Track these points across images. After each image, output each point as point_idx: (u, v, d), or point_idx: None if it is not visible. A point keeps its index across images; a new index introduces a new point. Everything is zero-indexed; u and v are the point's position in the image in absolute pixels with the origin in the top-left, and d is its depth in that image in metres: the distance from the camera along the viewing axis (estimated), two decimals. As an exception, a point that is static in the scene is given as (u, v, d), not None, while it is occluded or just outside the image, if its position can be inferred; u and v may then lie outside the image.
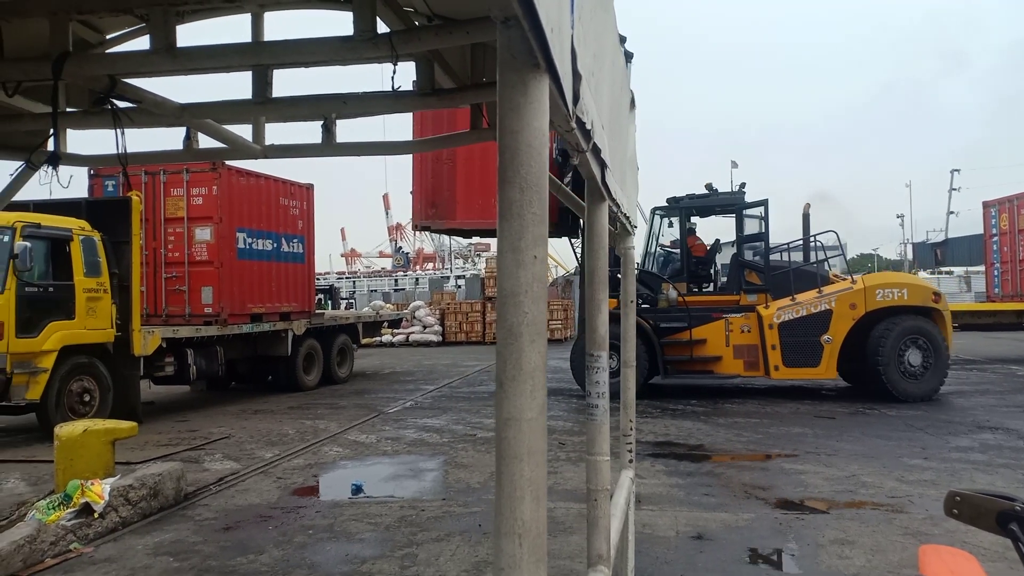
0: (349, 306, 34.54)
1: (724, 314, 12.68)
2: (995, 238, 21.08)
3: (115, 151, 2.94)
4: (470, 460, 8.41)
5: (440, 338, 28.88)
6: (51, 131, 2.98)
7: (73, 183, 3.24)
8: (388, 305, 31.79)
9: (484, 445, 9.21)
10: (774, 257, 13.58)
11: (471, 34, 2.22)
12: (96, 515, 5.97)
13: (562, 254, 37.25)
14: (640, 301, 12.80)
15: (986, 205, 21.67)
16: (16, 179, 3.30)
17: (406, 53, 2.38)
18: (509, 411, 1.03)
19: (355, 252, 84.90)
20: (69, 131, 3.16)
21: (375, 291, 47.84)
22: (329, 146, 3.27)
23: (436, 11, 2.52)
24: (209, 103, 2.89)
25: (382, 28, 2.35)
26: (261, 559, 5.38)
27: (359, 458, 8.76)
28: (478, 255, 62.38)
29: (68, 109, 3.00)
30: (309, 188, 15.72)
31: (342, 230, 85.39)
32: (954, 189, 61.55)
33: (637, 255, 13.58)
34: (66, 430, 6.57)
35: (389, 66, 2.59)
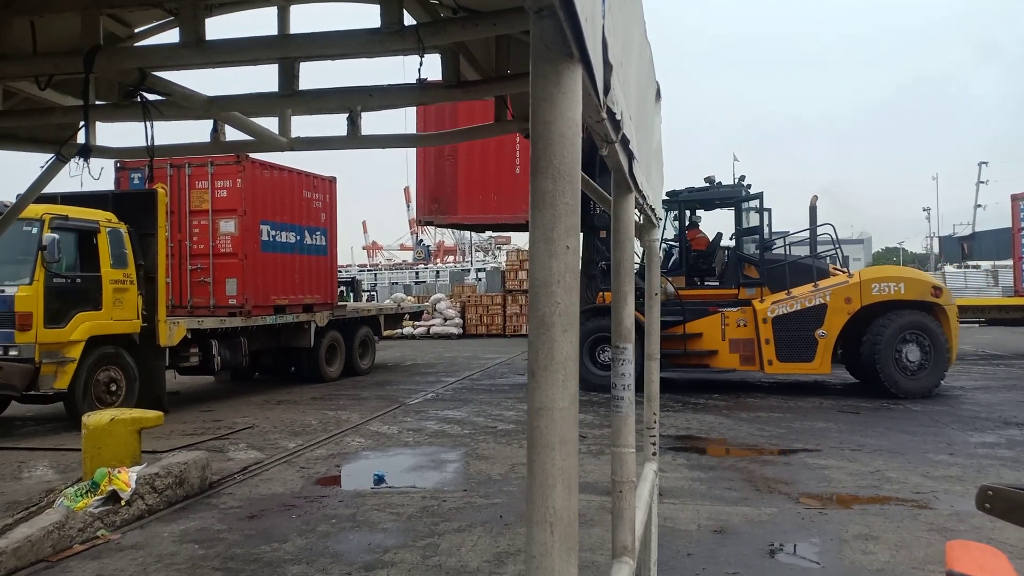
0: (371, 298, 34.70)
1: (721, 308, 12.59)
2: None
3: (142, 144, 2.98)
4: (491, 452, 8.43)
5: (461, 330, 28.96)
6: (81, 124, 3.02)
7: (102, 176, 3.28)
8: (409, 297, 31.88)
9: (505, 437, 9.24)
10: (779, 251, 13.48)
11: (497, 25, 2.22)
12: (123, 502, 6.05)
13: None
14: (638, 294, 12.70)
15: (1015, 198, 21.34)
16: (46, 171, 3.34)
17: (432, 45, 2.38)
18: (541, 400, 1.04)
19: (376, 245, 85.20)
20: (98, 124, 3.19)
21: (396, 283, 47.96)
22: (355, 138, 3.29)
23: (461, 3, 2.53)
24: (236, 96, 2.92)
25: (408, 20, 2.36)
26: (285, 547, 5.44)
27: (381, 449, 8.82)
28: (499, 248, 62.38)
29: (98, 102, 3.03)
30: (332, 181, 15.80)
31: (363, 223, 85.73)
32: (982, 182, 60.58)
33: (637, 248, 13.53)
34: (94, 419, 6.66)
35: (410, 59, 2.60)
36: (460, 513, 6.19)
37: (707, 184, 13.84)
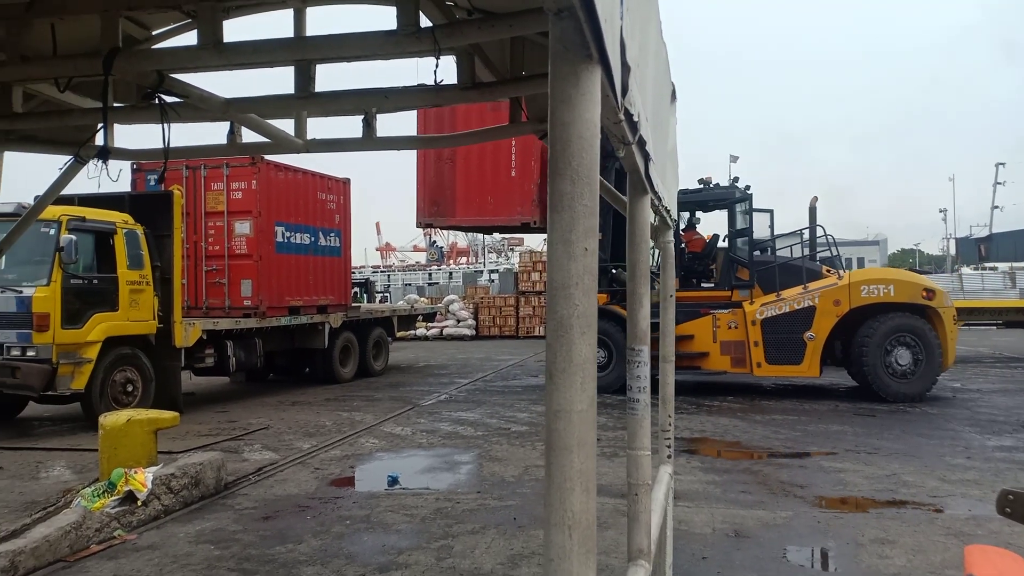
0: (384, 300, 34.79)
1: (712, 310, 12.52)
2: (1042, 233, 20.56)
3: (159, 145, 3.00)
4: (504, 454, 8.43)
5: (474, 332, 28.97)
6: (99, 126, 3.04)
7: (119, 178, 3.30)
8: (422, 299, 31.92)
9: (518, 439, 9.23)
10: (784, 253, 13.40)
11: (513, 27, 2.21)
12: (139, 503, 6.09)
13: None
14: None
15: (1033, 199, 21.12)
16: (65, 173, 3.37)
17: (448, 47, 2.39)
18: (559, 403, 1.03)
19: (390, 246, 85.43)
20: (115, 126, 3.22)
21: (409, 285, 48.09)
22: (370, 140, 3.30)
23: (476, 5, 2.53)
24: (253, 98, 2.93)
25: (424, 22, 2.37)
26: (300, 548, 5.45)
27: (395, 450, 8.84)
28: (512, 249, 62.42)
29: (116, 104, 3.05)
30: (346, 183, 15.85)
31: (377, 224, 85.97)
32: (999, 183, 60.09)
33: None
34: (110, 419, 6.71)
35: (424, 61, 2.61)
36: (474, 515, 6.19)
37: (702, 185, 13.79)
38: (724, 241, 13.45)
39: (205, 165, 13.24)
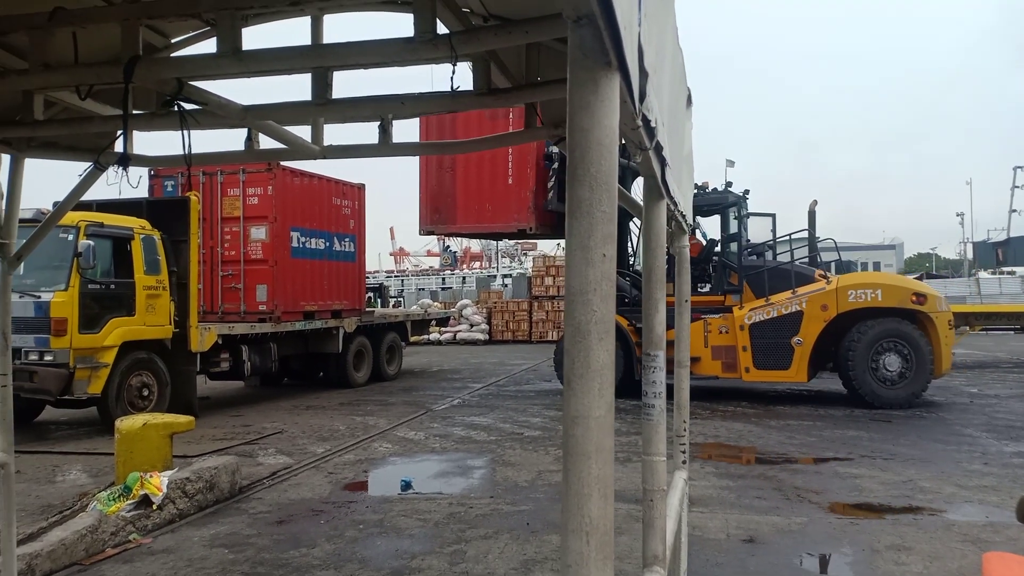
0: (398, 304, 34.87)
1: (704, 315, 12.46)
2: (1061, 238, 20.35)
3: (176, 152, 3.03)
4: (517, 459, 8.43)
5: (487, 336, 28.99)
6: (119, 133, 3.07)
7: (139, 184, 3.33)
8: (436, 303, 32.01)
9: (531, 444, 9.23)
10: (783, 257, 13.32)
11: (530, 33, 2.22)
12: (155, 507, 6.13)
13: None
14: (626, 300, 12.71)
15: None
16: (84, 179, 3.40)
17: (464, 54, 2.40)
18: (577, 409, 1.04)
19: (404, 251, 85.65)
20: (134, 133, 3.25)
21: (423, 289, 48.22)
22: (386, 146, 3.31)
23: (492, 11, 2.54)
24: (271, 105, 2.95)
25: (441, 29, 2.38)
26: (313, 553, 5.47)
27: (408, 454, 8.85)
28: (525, 254, 62.40)
29: (135, 111, 3.08)
30: (360, 188, 15.92)
31: (391, 229, 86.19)
32: (1017, 186, 59.53)
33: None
34: (126, 423, 6.76)
35: (438, 67, 2.62)
36: (487, 520, 6.19)
37: (696, 190, 13.76)
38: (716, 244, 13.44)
39: (222, 171, 13.33)
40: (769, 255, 13.57)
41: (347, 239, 15.38)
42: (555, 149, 13.76)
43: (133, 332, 10.34)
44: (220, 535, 5.91)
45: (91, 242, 9.70)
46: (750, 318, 12.09)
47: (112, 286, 10.24)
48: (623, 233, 13.68)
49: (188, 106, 2.76)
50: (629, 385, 11.12)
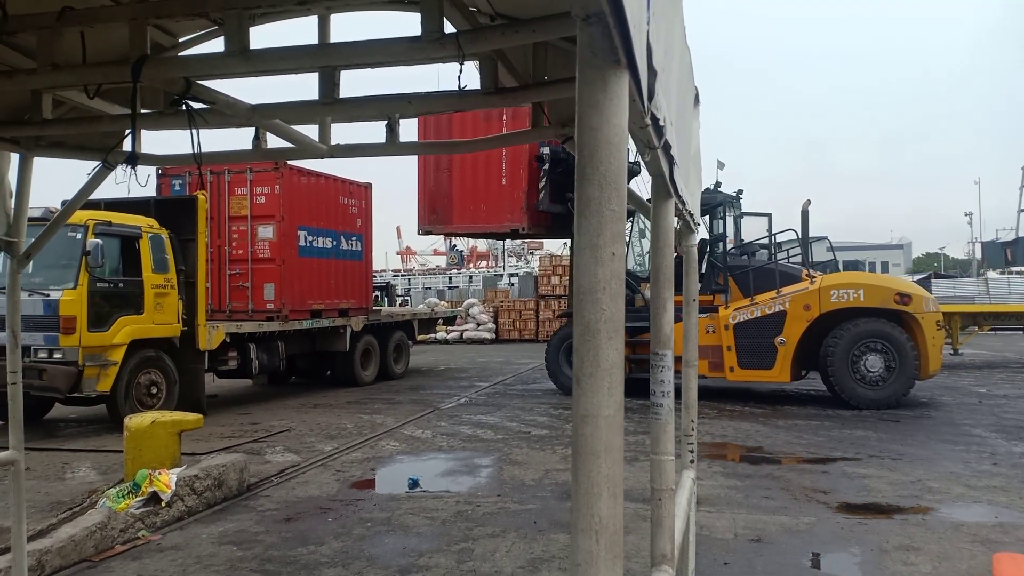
0: (404, 303, 34.93)
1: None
2: (1070, 237, 20.24)
3: (183, 151, 3.03)
4: (524, 457, 8.43)
5: (493, 335, 29.01)
6: (127, 132, 3.08)
7: (148, 183, 3.34)
8: (443, 303, 32.07)
9: (538, 443, 9.22)
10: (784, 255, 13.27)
11: (537, 32, 2.22)
12: (163, 504, 6.15)
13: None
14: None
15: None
16: (93, 179, 3.41)
17: (471, 53, 2.39)
18: (586, 408, 1.03)
19: (410, 250, 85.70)
20: (142, 132, 3.26)
21: (430, 288, 48.27)
22: (393, 145, 3.31)
23: (500, 10, 2.54)
24: (278, 104, 2.96)
25: (448, 28, 2.38)
26: (321, 550, 5.48)
27: (415, 453, 8.86)
28: (531, 253, 62.37)
29: (143, 111, 3.09)
30: (367, 187, 15.95)
31: (398, 228, 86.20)
32: (1026, 186, 59.21)
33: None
34: (135, 421, 6.79)
35: (445, 66, 2.62)
36: (494, 518, 6.20)
37: None
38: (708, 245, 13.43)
39: (229, 170, 13.37)
40: (765, 255, 13.53)
41: (354, 238, 15.41)
42: (546, 150, 13.90)
43: (141, 330, 10.38)
44: (228, 532, 5.93)
45: (99, 241, 9.74)
46: (734, 318, 12.08)
47: (120, 284, 10.28)
48: None
49: (196, 105, 2.76)
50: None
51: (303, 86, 3.09)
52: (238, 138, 3.52)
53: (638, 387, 12.85)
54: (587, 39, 0.97)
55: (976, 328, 19.48)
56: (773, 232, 13.44)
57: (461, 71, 2.38)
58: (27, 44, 2.75)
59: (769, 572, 4.97)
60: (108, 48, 2.77)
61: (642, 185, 11.13)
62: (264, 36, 2.79)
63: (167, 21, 2.71)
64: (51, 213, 9.47)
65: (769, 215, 13.74)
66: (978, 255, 59.63)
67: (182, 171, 13.47)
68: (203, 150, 2.92)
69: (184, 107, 2.72)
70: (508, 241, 63.95)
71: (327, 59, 2.67)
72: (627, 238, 13.71)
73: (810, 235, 13.42)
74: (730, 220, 13.41)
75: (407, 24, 2.53)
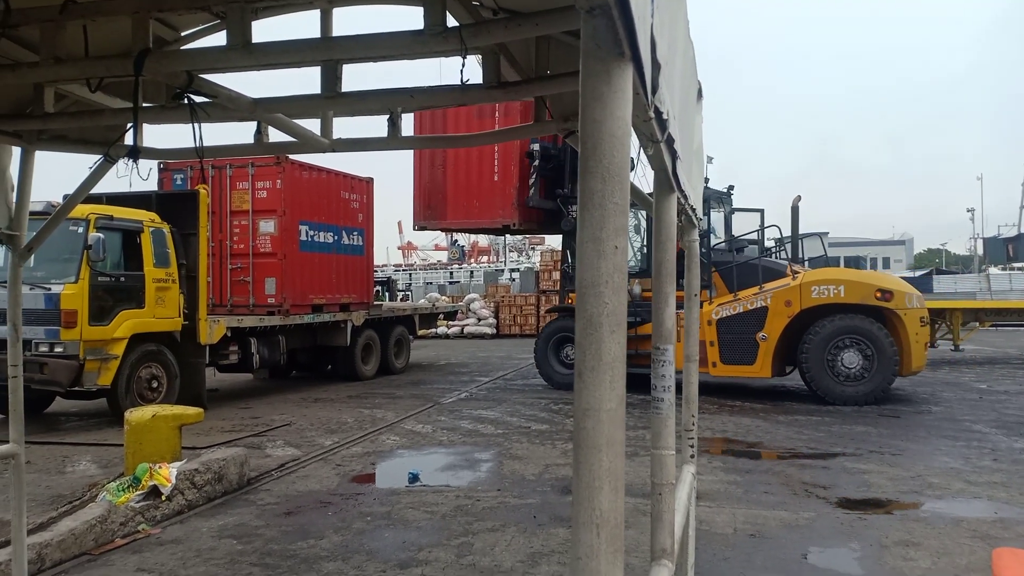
0: (405, 298, 34.94)
1: (677, 309, 12.38)
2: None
3: (184, 145, 3.03)
4: (524, 452, 8.43)
5: (494, 330, 29.01)
6: (129, 126, 3.07)
7: (150, 177, 3.34)
8: (443, 297, 32.03)
9: (538, 438, 9.23)
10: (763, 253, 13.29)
11: (540, 26, 2.21)
12: (163, 498, 6.16)
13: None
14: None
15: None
16: (95, 172, 3.41)
17: (474, 46, 2.39)
18: (588, 401, 1.03)
19: (412, 245, 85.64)
20: (144, 125, 3.26)
21: (431, 283, 48.24)
22: (395, 139, 3.31)
23: (502, 4, 2.53)
24: (280, 98, 2.95)
25: (451, 22, 2.37)
26: (321, 544, 5.49)
27: (415, 447, 8.87)
28: (532, 248, 62.37)
29: (145, 104, 3.09)
30: (369, 182, 15.94)
31: (399, 223, 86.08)
32: (1028, 182, 59.12)
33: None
34: (136, 415, 6.79)
35: (447, 60, 2.61)
36: (494, 512, 6.21)
37: None
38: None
39: (231, 164, 13.37)
40: (756, 250, 13.54)
41: (355, 233, 15.41)
42: (536, 146, 13.95)
43: (143, 324, 10.39)
44: (228, 526, 5.94)
45: (101, 235, 9.74)
46: (717, 313, 12.09)
47: (122, 279, 10.27)
48: None
49: (198, 99, 2.76)
50: None
51: (306, 80, 3.09)
52: (240, 132, 3.51)
53: (631, 382, 12.90)
54: (591, 31, 0.97)
55: (977, 324, 19.47)
56: (759, 228, 13.46)
57: (464, 65, 2.38)
58: (29, 37, 2.75)
59: (768, 567, 4.97)
60: (110, 42, 2.77)
61: (641, 179, 11.12)
62: (266, 30, 2.78)
63: (169, 15, 2.71)
64: (53, 207, 9.47)
65: (761, 211, 13.76)
66: (980, 251, 59.61)
67: (184, 165, 13.47)
68: (206, 144, 2.92)
69: (186, 101, 2.72)
70: (509, 236, 64.07)
71: (329, 53, 2.66)
72: None
73: (811, 231, 13.43)
74: (721, 216, 13.43)
75: (409, 18, 2.53)
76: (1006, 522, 5.74)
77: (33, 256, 3.89)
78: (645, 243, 13.52)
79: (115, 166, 3.32)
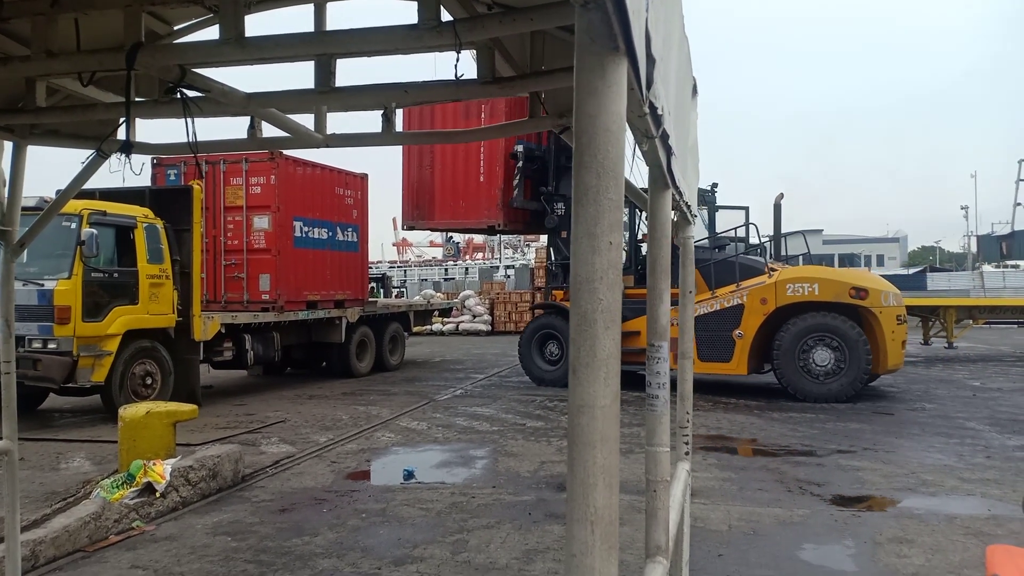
0: (400, 295, 34.91)
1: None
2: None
3: (177, 140, 3.02)
4: (519, 449, 8.43)
5: (489, 327, 28.99)
6: (121, 120, 3.05)
7: (142, 172, 3.32)
8: (439, 294, 32.02)
9: (533, 435, 9.23)
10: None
11: (535, 21, 2.20)
12: (158, 494, 6.15)
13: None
14: None
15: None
16: (87, 167, 3.39)
17: (469, 41, 2.38)
18: (583, 398, 1.03)
19: (407, 241, 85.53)
20: (136, 120, 3.24)
21: (426, 280, 48.23)
22: (389, 135, 3.30)
23: (497, -1, 2.52)
24: (274, 92, 2.94)
25: (445, 16, 2.36)
26: (316, 541, 5.48)
27: (410, 444, 8.86)
28: (528, 245, 62.37)
29: (138, 99, 3.07)
30: (363, 178, 15.92)
31: (394, 219, 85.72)
32: (1022, 180, 59.36)
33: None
34: (130, 412, 6.77)
35: (442, 55, 2.60)
36: (489, 509, 6.20)
37: None
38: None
39: (224, 160, 13.32)
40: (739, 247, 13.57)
41: (350, 229, 15.38)
42: (520, 147, 13.97)
43: (136, 321, 10.35)
44: (223, 523, 5.93)
45: (94, 230, 9.70)
46: (695, 311, 12.06)
47: (115, 275, 10.24)
48: None
49: (191, 93, 2.74)
50: None
51: (298, 75, 3.07)
52: (233, 127, 3.50)
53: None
54: (586, 25, 0.96)
55: (971, 321, 19.55)
56: (744, 225, 13.47)
57: (458, 60, 2.37)
58: (21, 31, 2.73)
59: (763, 564, 4.98)
60: (102, 35, 2.75)
61: (636, 175, 11.13)
62: (260, 24, 2.77)
63: (162, 8, 2.69)
64: (45, 202, 9.41)
65: (746, 208, 13.77)
66: (974, 249, 59.83)
67: (177, 160, 13.42)
68: (198, 139, 2.90)
69: (179, 95, 2.70)
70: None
71: (323, 47, 2.65)
72: None
73: (803, 229, 13.46)
74: (704, 213, 13.46)
75: (403, 12, 2.52)
76: (999, 519, 5.76)
77: (26, 252, 3.88)
78: (627, 240, 13.55)
79: (108, 161, 3.30)
